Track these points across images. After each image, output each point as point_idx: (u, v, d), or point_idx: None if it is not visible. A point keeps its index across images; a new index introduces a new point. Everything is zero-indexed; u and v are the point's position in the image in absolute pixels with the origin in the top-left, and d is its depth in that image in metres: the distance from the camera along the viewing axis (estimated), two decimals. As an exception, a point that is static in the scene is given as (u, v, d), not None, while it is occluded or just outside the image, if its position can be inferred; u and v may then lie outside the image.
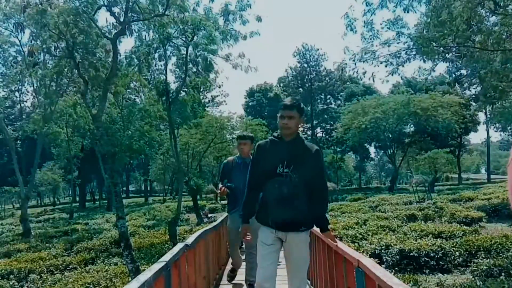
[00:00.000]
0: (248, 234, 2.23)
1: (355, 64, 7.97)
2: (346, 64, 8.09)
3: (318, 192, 2.07)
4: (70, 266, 7.79)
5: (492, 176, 34.48)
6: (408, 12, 7.80)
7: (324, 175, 2.22)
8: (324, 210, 2.22)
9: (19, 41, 14.66)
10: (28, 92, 28.92)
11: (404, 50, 8.13)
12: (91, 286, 5.87)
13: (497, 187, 16.21)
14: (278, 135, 2.11)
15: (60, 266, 7.80)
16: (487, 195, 13.15)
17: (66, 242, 10.52)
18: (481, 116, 30.63)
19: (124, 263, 6.96)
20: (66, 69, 12.19)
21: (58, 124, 18.62)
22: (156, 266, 1.66)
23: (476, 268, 5.37)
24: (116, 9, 8.07)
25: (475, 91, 27.47)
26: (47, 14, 7.57)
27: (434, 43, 7.71)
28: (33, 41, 10.19)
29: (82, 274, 6.72)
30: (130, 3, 7.87)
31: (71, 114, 15.86)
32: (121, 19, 8.01)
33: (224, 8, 9.88)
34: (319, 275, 3.16)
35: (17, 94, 33.96)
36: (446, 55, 8.49)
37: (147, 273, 1.52)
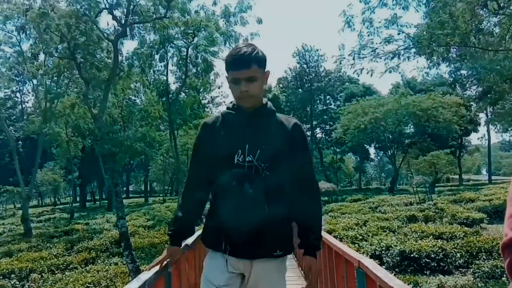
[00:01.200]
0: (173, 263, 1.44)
1: (354, 59, 8.07)
2: (344, 57, 8.19)
3: (304, 188, 1.27)
4: (71, 266, 7.80)
5: (493, 177, 34.40)
6: (407, 9, 7.87)
7: (311, 162, 1.38)
8: (315, 216, 1.31)
9: (19, 42, 14.75)
10: (29, 92, 29.04)
11: (403, 48, 8.20)
12: (91, 285, 5.87)
13: (498, 188, 16.16)
14: (234, 105, 1.29)
15: (61, 266, 7.81)
16: (488, 196, 13.12)
17: (67, 242, 10.54)
18: (482, 117, 30.64)
19: (125, 263, 6.98)
20: (65, 70, 12.25)
21: (58, 124, 18.68)
22: (156, 266, 1.67)
23: (477, 270, 5.35)
24: (117, 13, 8.13)
25: (476, 92, 27.49)
26: (49, 17, 7.63)
27: (434, 44, 7.74)
28: (32, 43, 10.24)
29: (83, 273, 6.73)
30: (131, 6, 7.91)
31: (69, 115, 15.94)
32: (122, 22, 8.06)
33: (224, 10, 9.94)
34: (319, 276, 3.15)
35: (18, 95, 34.13)
36: (446, 55, 8.53)
37: (148, 273, 1.52)
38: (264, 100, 1.32)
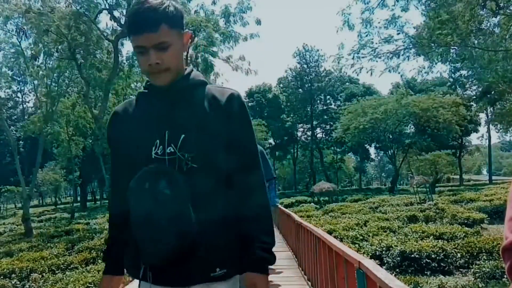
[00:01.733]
0: None
1: (353, 59, 8.11)
2: (342, 57, 8.24)
3: (242, 179, 0.94)
4: (71, 266, 7.81)
5: (493, 177, 34.39)
6: (407, 10, 7.90)
7: (254, 144, 0.99)
8: (258, 216, 0.94)
9: (19, 42, 14.80)
10: (30, 92, 29.11)
11: (403, 48, 8.22)
12: (92, 285, 5.88)
13: (499, 188, 16.15)
14: (147, 82, 0.98)
15: (62, 266, 7.82)
16: (488, 197, 13.13)
17: (68, 241, 10.54)
18: (482, 117, 30.64)
19: (125, 263, 6.97)
20: (66, 70, 12.28)
21: (59, 124, 18.73)
22: None
23: (478, 270, 5.36)
24: (117, 13, 8.16)
25: (476, 92, 27.52)
26: (48, 18, 7.67)
27: (433, 44, 7.77)
28: (32, 43, 10.29)
29: (83, 273, 6.74)
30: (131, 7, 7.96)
31: (69, 114, 15.98)
32: (122, 22, 8.09)
33: (224, 10, 9.96)
34: (319, 276, 3.16)
35: (19, 95, 34.23)
36: (445, 55, 8.56)
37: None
38: (188, 69, 0.97)
